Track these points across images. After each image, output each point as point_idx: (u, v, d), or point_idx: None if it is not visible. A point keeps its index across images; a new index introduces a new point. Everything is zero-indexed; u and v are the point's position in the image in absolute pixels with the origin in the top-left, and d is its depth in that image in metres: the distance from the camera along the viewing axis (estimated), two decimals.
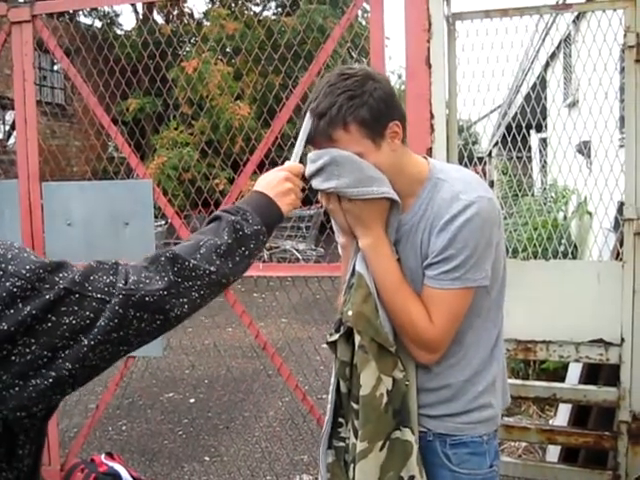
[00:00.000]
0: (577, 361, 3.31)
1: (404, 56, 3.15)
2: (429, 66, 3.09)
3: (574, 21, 6.15)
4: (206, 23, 14.55)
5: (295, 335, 7.87)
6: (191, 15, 16.20)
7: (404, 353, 1.85)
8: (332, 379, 1.98)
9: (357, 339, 1.81)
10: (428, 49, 3.08)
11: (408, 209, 1.84)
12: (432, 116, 3.07)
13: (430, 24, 3.09)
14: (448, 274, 1.75)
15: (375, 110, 1.73)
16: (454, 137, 3.27)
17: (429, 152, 3.07)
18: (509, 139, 3.81)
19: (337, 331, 1.89)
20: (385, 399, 1.79)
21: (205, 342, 8.03)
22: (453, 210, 1.74)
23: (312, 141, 1.78)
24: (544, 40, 6.86)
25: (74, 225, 3.68)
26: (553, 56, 8.36)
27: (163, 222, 9.52)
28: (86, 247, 3.67)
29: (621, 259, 3.06)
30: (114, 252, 3.62)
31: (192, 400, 6.25)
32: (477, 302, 1.83)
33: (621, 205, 3.09)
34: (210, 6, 16.08)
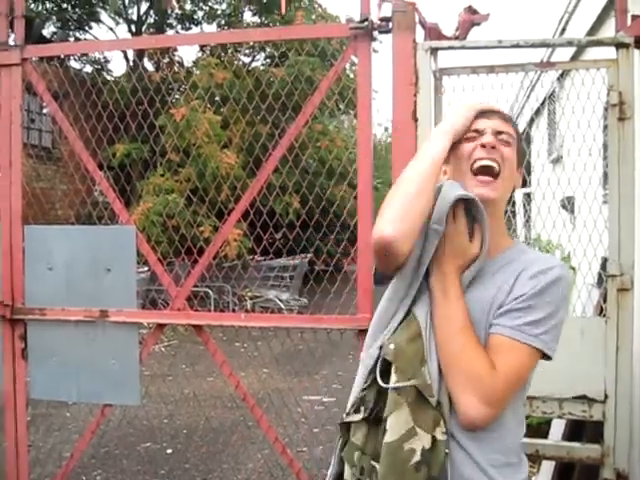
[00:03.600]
0: (560, 417, 3.28)
1: (391, 109, 3.18)
2: (415, 120, 3.12)
3: (558, 78, 6.25)
4: (196, 72, 14.68)
5: (276, 386, 7.79)
6: (181, 63, 16.37)
7: (449, 417, 1.70)
8: (332, 461, 1.88)
9: (392, 379, 1.67)
10: (415, 103, 3.12)
11: (491, 259, 1.82)
12: None
13: (417, 78, 3.13)
14: (529, 327, 1.69)
15: (521, 144, 1.92)
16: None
17: None
18: None
19: (356, 412, 1.77)
20: (417, 457, 1.62)
21: (184, 391, 7.93)
22: (545, 265, 1.75)
23: (486, 114, 1.87)
24: (529, 97, 6.97)
25: (55, 269, 3.64)
26: (537, 112, 8.48)
27: (146, 268, 9.46)
28: (67, 292, 3.63)
29: (604, 315, 3.05)
30: (95, 298, 3.59)
31: (169, 450, 6.14)
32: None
33: (604, 261, 3.10)
34: (200, 55, 16.26)
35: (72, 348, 3.65)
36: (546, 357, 1.74)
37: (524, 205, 10.55)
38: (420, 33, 3.24)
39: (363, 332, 3.23)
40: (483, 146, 1.80)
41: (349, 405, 1.81)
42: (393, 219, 1.68)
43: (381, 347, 1.75)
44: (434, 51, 3.22)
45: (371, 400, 1.75)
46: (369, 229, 3.16)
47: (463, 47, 3.22)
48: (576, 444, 3.20)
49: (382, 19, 3.23)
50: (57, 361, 3.68)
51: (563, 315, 1.76)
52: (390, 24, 3.22)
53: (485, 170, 1.79)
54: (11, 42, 3.73)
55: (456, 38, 3.25)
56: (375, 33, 3.29)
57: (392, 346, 1.71)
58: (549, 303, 1.70)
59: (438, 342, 1.72)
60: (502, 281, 1.76)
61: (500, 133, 1.83)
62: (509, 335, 1.69)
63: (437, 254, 1.77)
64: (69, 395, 3.83)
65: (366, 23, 3.25)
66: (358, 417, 1.75)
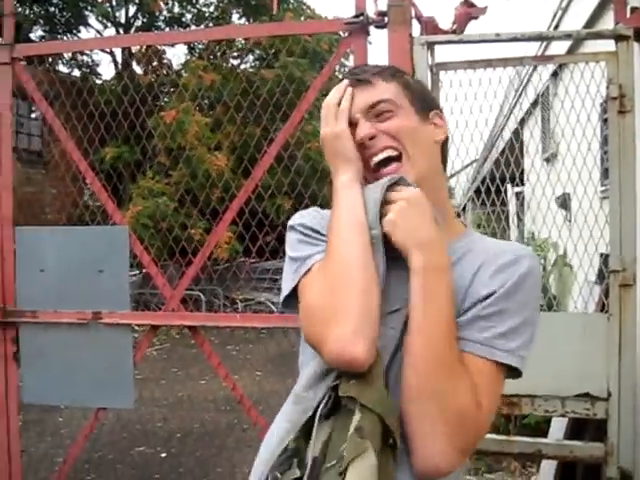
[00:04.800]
0: (563, 416, 3.24)
1: None
2: None
3: (554, 73, 6.23)
4: (184, 74, 14.60)
5: (271, 388, 7.72)
6: (170, 66, 16.29)
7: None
8: None
9: (355, 419, 1.21)
10: None
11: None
12: None
13: (413, 73, 3.08)
14: (503, 341, 1.32)
15: (419, 87, 1.55)
16: None
17: None
18: (484, 192, 3.78)
19: (287, 469, 1.26)
20: None
21: (178, 394, 7.86)
22: (512, 254, 1.38)
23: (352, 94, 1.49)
24: (521, 94, 6.96)
25: (47, 271, 3.58)
26: (530, 109, 8.47)
27: (137, 272, 9.38)
28: (59, 294, 3.57)
29: (607, 311, 3.01)
30: (87, 300, 3.53)
31: (164, 454, 6.07)
32: None
33: (606, 257, 3.06)
34: (189, 57, 16.18)
35: (65, 351, 3.59)
36: (514, 374, 1.38)
37: (517, 205, 10.55)
38: (416, 27, 3.20)
39: None
40: (363, 143, 1.45)
41: (270, 463, 1.29)
42: (363, 330, 1.26)
43: (336, 385, 1.30)
44: (431, 45, 3.18)
45: (303, 450, 1.27)
46: None
47: (460, 41, 3.18)
48: (579, 443, 3.15)
49: (378, 13, 3.18)
50: (49, 365, 3.61)
51: (537, 318, 1.39)
52: (386, 19, 3.17)
53: (385, 162, 1.45)
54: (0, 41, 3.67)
55: (453, 32, 3.21)
56: (370, 28, 3.25)
57: (353, 380, 1.27)
58: (524, 305, 1.34)
59: (413, 353, 1.30)
60: (461, 276, 1.39)
61: (373, 106, 1.46)
62: (486, 356, 1.31)
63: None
64: (62, 399, 3.78)
65: (361, 18, 3.21)
66: (293, 475, 1.24)
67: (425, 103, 1.51)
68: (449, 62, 3.24)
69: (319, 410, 1.28)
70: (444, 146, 1.54)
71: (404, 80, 1.51)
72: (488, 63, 3.20)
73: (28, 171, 13.76)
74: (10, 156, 3.66)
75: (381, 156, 1.44)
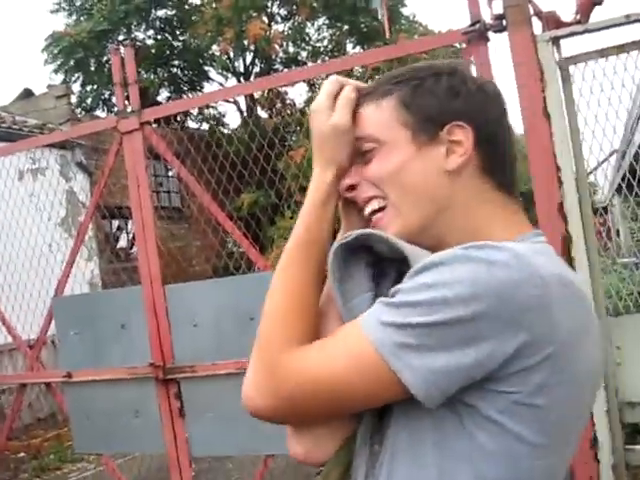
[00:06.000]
0: None
1: (517, 110, 2.98)
2: (547, 117, 2.91)
3: None
4: (308, 111, 14.87)
5: None
6: (293, 105, 16.61)
7: None
8: None
9: None
10: (544, 99, 2.91)
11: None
12: (558, 169, 2.87)
13: (542, 73, 2.92)
14: (375, 306, 1.04)
15: (431, 95, 1.12)
16: (585, 188, 3.02)
17: (560, 208, 2.86)
18: (635, 183, 3.52)
19: None
20: None
21: None
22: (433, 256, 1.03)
23: None
24: None
25: (200, 325, 3.63)
26: None
27: None
28: (215, 346, 3.61)
29: None
30: (242, 348, 3.53)
31: None
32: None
33: None
34: (310, 94, 16.44)
35: (226, 402, 3.60)
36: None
37: None
38: (537, 25, 3.05)
39: None
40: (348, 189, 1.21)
41: None
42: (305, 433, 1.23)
43: None
44: (556, 40, 3.01)
45: None
46: None
47: (586, 31, 2.99)
48: None
49: (495, 17, 3.05)
50: (213, 416, 3.64)
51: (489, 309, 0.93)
52: (504, 21, 3.04)
53: (375, 211, 1.18)
54: (128, 109, 3.80)
55: (577, 22, 3.03)
56: (490, 34, 3.12)
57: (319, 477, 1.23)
58: (429, 286, 0.96)
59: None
60: None
61: (357, 145, 1.19)
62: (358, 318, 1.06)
63: None
64: (229, 450, 3.81)
65: (478, 25, 3.09)
66: None
67: (433, 118, 1.12)
68: (578, 55, 3.06)
69: None
70: (489, 155, 1.13)
71: (402, 94, 1.14)
72: (620, 49, 2.99)
73: (171, 227, 14.32)
74: (152, 218, 3.76)
75: (367, 210, 1.18)
